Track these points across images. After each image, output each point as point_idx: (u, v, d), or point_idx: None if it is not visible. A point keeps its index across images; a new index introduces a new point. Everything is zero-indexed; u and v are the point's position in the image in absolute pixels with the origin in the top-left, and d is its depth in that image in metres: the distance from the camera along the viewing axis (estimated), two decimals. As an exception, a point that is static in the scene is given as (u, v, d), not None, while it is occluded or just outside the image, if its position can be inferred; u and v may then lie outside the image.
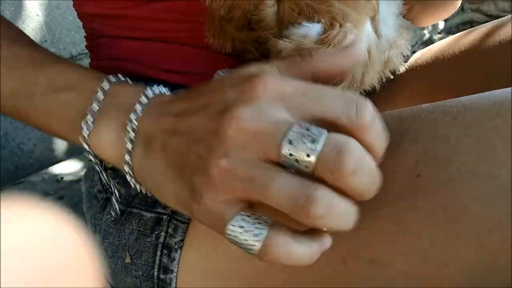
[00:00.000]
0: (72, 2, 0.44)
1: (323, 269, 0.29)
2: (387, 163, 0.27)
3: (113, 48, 0.43)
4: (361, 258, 0.28)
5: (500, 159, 0.24)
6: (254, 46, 0.35)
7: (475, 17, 2.30)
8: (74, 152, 1.07)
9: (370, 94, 0.45)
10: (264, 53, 0.34)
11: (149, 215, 0.37)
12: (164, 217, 0.36)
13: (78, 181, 0.90)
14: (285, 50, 0.29)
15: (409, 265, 0.27)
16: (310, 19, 0.29)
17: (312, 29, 0.29)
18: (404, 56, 0.42)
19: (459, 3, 0.47)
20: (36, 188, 0.89)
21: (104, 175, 0.41)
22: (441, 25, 2.22)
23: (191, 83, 0.42)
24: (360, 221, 0.25)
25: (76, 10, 0.46)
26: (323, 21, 0.28)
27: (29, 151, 0.98)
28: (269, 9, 0.30)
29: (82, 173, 0.93)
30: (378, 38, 0.32)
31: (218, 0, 0.31)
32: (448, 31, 2.26)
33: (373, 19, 0.32)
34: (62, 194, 0.86)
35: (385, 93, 0.47)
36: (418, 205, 0.26)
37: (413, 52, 1.56)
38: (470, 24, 2.33)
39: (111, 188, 0.40)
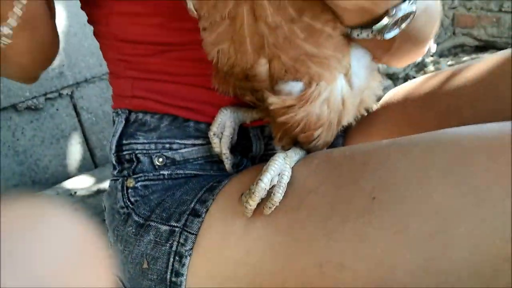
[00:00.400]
0: (86, 31, 0.53)
1: (305, 271, 0.37)
2: (350, 188, 0.36)
3: (134, 87, 0.51)
4: (333, 263, 0.36)
5: (433, 186, 0.32)
6: (251, 93, 0.43)
7: (466, 41, 2.41)
8: (84, 168, 1.15)
9: (347, 128, 0.53)
10: (259, 98, 0.43)
11: (164, 227, 0.45)
12: (177, 229, 0.44)
13: (90, 195, 0.98)
14: (274, 104, 0.37)
15: (368, 269, 0.35)
16: (294, 78, 0.37)
17: (295, 87, 0.37)
18: (376, 96, 0.50)
19: (425, 50, 0.55)
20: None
21: (126, 194, 0.49)
22: (434, 48, 2.31)
23: (199, 117, 0.50)
24: (331, 233, 0.33)
25: (102, 53, 0.55)
26: (303, 80, 0.37)
27: (44, 167, 1.06)
28: (262, 67, 0.38)
29: (93, 188, 1.02)
30: (350, 89, 0.41)
31: (222, 58, 0.39)
32: (440, 54, 2.36)
33: (346, 75, 0.40)
34: (76, 207, 0.94)
35: (361, 127, 0.55)
36: (373, 221, 0.34)
37: (406, 74, 1.63)
38: (461, 47, 2.43)
39: (132, 205, 0.48)
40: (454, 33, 2.45)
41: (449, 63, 2.09)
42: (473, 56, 2.17)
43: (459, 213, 0.30)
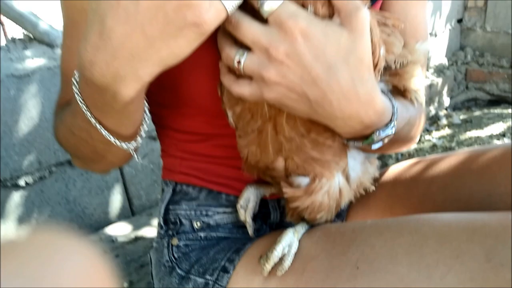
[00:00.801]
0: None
1: None
2: (341, 258, 0.48)
3: (181, 165, 0.65)
4: None
5: (398, 261, 0.44)
6: (271, 178, 0.56)
7: (478, 95, 2.52)
8: (123, 215, 1.29)
9: (350, 203, 0.65)
10: (277, 182, 0.56)
11: (200, 280, 0.58)
12: (210, 282, 0.57)
13: (129, 242, 1.12)
14: (287, 193, 0.51)
15: None
16: (303, 174, 0.50)
17: (303, 181, 0.50)
18: (373, 180, 0.61)
19: (415, 142, 0.66)
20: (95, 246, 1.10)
21: (171, 251, 0.62)
22: (447, 101, 2.43)
23: (230, 191, 0.64)
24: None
25: (157, 134, 0.69)
26: (309, 176, 0.50)
27: (90, 214, 1.21)
28: (280, 164, 0.52)
29: (132, 235, 1.15)
30: (348, 181, 0.54)
31: (250, 156, 0.53)
32: (454, 108, 2.47)
33: (343, 171, 0.53)
34: (117, 253, 1.07)
35: (361, 202, 0.67)
36: (357, 286, 0.46)
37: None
38: (474, 101, 2.54)
39: (175, 260, 0.61)
40: (467, 87, 2.57)
41: (462, 117, 2.19)
42: (485, 110, 2.27)
43: (416, 283, 0.42)
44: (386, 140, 0.49)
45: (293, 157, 0.50)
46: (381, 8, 0.62)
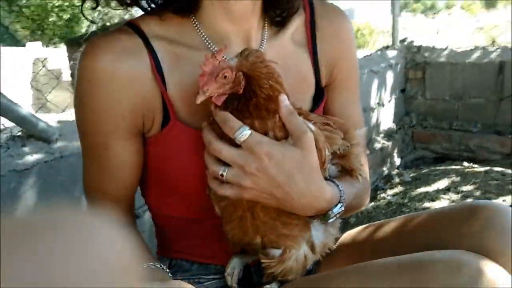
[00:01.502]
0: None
1: None
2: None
3: (175, 244, 0.78)
4: None
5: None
6: (251, 250, 0.71)
7: (425, 154, 2.81)
8: None
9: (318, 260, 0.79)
10: (256, 253, 0.70)
11: None
12: None
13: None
14: (264, 263, 0.65)
15: None
16: (276, 247, 0.65)
17: (276, 252, 0.65)
18: (335, 239, 0.76)
19: (365, 206, 0.83)
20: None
21: None
22: (398, 161, 2.69)
23: (217, 262, 0.76)
24: None
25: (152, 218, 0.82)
26: (281, 248, 0.65)
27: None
28: (258, 240, 0.66)
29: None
30: (312, 249, 0.69)
31: (234, 237, 0.67)
32: (404, 166, 2.73)
33: (308, 241, 0.68)
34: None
35: (326, 258, 0.81)
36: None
37: (376, 186, 1.93)
38: (422, 159, 2.82)
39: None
40: (414, 148, 2.86)
41: (412, 174, 2.43)
42: (432, 168, 2.53)
43: None
44: (338, 216, 0.65)
45: (268, 235, 0.65)
46: (324, 108, 0.81)
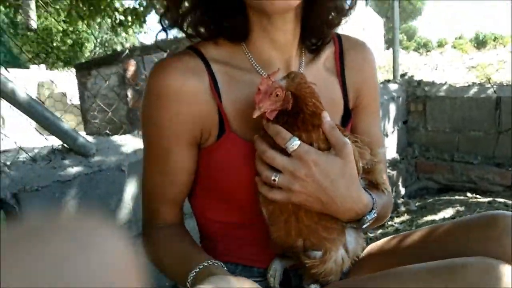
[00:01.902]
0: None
1: None
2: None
3: (220, 247, 0.84)
4: None
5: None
6: (292, 253, 0.77)
7: (428, 184, 2.89)
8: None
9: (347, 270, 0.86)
10: (297, 256, 0.77)
11: None
12: None
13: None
14: (307, 263, 0.72)
15: None
16: (317, 249, 0.72)
17: (317, 254, 0.72)
18: (362, 248, 0.84)
19: (388, 217, 0.91)
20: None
21: None
22: (403, 191, 2.77)
23: (260, 265, 0.82)
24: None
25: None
26: (322, 251, 0.72)
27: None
28: (300, 243, 0.73)
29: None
30: (347, 252, 0.76)
31: (278, 239, 0.74)
32: (409, 196, 2.80)
33: (344, 245, 0.75)
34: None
35: (353, 269, 0.88)
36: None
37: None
38: (426, 189, 2.90)
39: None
40: (418, 178, 2.94)
41: (417, 204, 2.50)
42: (436, 197, 2.60)
43: None
44: (371, 221, 0.73)
45: (309, 238, 0.72)
46: (351, 128, 0.90)
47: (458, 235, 0.78)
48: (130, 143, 1.40)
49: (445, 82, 2.94)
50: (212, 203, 0.82)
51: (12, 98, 1.12)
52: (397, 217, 2.34)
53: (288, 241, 0.74)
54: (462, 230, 0.79)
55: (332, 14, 0.79)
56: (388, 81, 2.99)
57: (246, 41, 0.79)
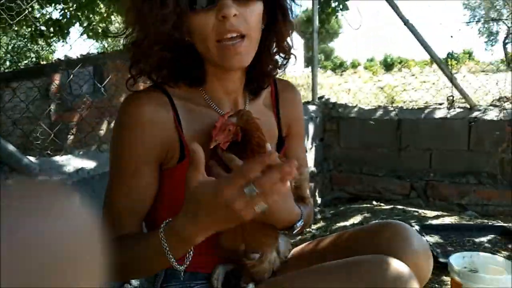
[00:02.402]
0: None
1: None
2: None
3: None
4: None
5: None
6: (236, 255, 0.94)
7: (341, 194, 3.24)
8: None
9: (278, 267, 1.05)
10: (240, 257, 0.94)
11: None
12: None
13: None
14: (247, 263, 0.89)
15: None
16: (256, 252, 0.90)
17: (256, 256, 0.90)
18: (289, 250, 1.03)
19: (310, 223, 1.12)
20: None
21: None
22: (319, 201, 3.08)
23: (205, 270, 0.97)
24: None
25: None
26: (260, 252, 0.90)
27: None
28: (242, 248, 0.90)
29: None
30: (278, 254, 0.94)
31: (227, 245, 0.90)
32: (325, 205, 3.12)
33: (276, 248, 0.94)
34: None
35: (281, 267, 1.07)
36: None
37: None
38: (339, 199, 3.24)
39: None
40: (332, 189, 3.29)
41: (331, 212, 2.81)
42: (347, 206, 2.94)
43: None
44: (299, 228, 0.93)
45: (250, 243, 0.90)
46: (284, 152, 1.10)
47: (359, 239, 1.01)
48: (72, 163, 1.46)
49: (356, 105, 3.34)
50: (165, 216, 0.96)
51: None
52: (314, 224, 2.62)
53: (234, 246, 0.91)
54: (363, 235, 1.03)
55: (270, 67, 0.99)
56: (308, 102, 3.31)
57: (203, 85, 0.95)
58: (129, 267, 0.85)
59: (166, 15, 0.83)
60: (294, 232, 0.93)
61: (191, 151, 0.73)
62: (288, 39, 0.99)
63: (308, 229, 2.50)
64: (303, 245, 1.14)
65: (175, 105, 0.91)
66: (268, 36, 0.95)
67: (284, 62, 1.02)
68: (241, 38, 0.85)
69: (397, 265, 0.83)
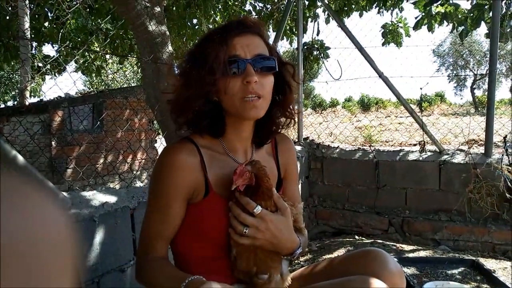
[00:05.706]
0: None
1: None
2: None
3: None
4: None
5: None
6: (248, 277, 1.16)
7: (325, 228, 3.47)
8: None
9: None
10: (251, 277, 1.16)
11: None
12: None
13: None
14: (257, 284, 1.12)
15: None
16: (264, 273, 1.13)
17: (265, 277, 1.13)
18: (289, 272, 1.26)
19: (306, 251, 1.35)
20: None
21: None
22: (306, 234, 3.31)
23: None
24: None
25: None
26: (268, 274, 1.12)
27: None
28: (253, 270, 1.13)
29: None
30: (281, 276, 1.17)
31: (240, 267, 1.13)
32: (311, 238, 3.34)
33: (279, 271, 1.17)
34: None
35: None
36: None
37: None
38: (323, 233, 3.47)
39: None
40: (317, 223, 3.52)
41: (317, 245, 3.03)
42: (332, 239, 3.17)
43: None
44: (298, 254, 1.16)
45: (260, 266, 1.13)
46: (282, 191, 1.36)
47: (348, 263, 1.26)
48: (97, 197, 1.67)
49: (337, 146, 3.64)
50: (193, 242, 1.19)
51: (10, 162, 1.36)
52: (302, 256, 2.83)
53: (247, 268, 1.13)
54: (351, 260, 1.27)
55: (274, 128, 1.26)
56: (294, 142, 3.60)
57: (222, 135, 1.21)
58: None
59: (212, 79, 1.09)
60: (294, 257, 1.17)
61: None
62: (291, 106, 1.27)
63: (296, 261, 2.72)
64: (301, 269, 1.37)
65: (201, 152, 1.16)
66: (277, 103, 1.23)
67: (287, 122, 1.29)
68: (258, 98, 1.12)
69: (377, 284, 1.07)
